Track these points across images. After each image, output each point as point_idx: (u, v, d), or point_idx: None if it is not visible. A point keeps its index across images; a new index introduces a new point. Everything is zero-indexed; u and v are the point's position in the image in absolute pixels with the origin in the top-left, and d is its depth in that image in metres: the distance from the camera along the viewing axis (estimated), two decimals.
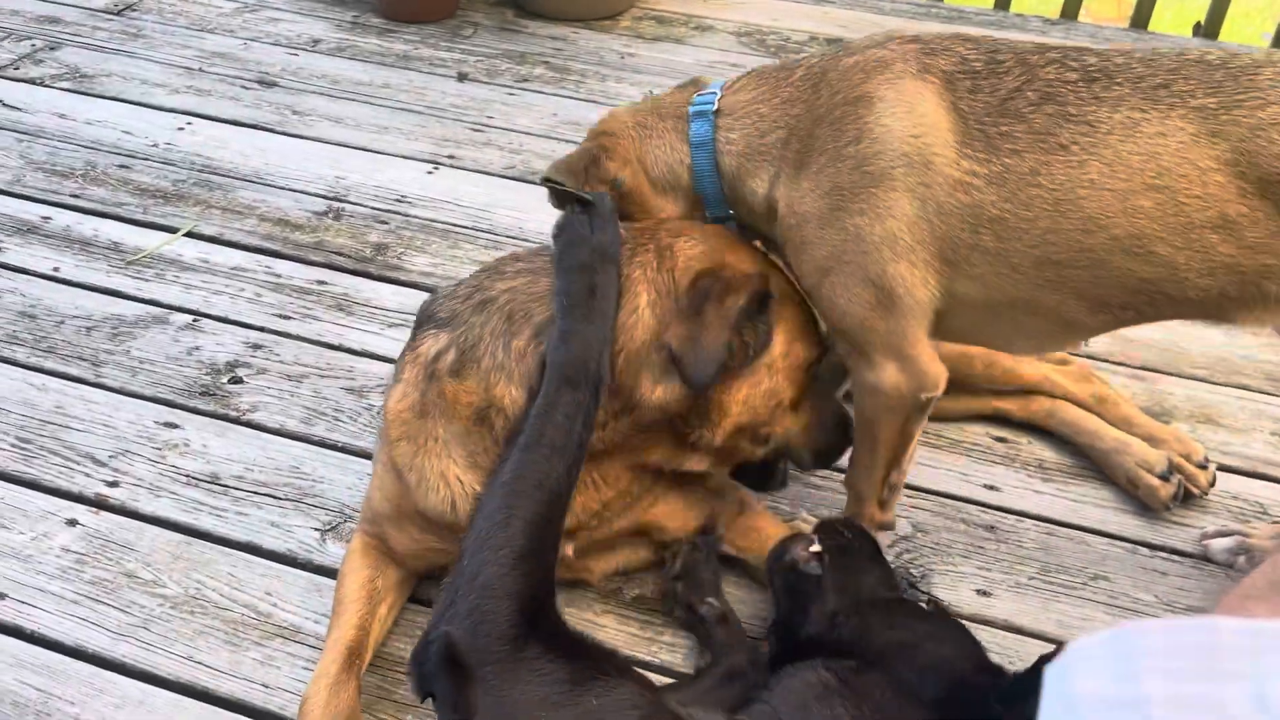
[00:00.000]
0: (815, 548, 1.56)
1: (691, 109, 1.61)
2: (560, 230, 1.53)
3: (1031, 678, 1.30)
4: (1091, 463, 2.03)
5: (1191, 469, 1.94)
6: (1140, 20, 3.97)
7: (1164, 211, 1.36)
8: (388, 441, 1.59)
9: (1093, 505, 1.96)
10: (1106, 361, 2.31)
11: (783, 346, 1.56)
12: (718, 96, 1.61)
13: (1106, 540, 1.89)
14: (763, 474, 1.74)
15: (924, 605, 1.57)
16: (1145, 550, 1.87)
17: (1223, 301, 1.43)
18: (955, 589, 1.79)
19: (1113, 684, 0.50)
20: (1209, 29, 3.91)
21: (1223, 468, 2.01)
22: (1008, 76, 1.43)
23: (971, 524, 1.92)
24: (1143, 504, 1.94)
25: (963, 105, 1.42)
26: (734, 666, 1.55)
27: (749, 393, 1.53)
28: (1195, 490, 1.93)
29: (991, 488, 1.99)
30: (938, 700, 1.32)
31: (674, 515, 1.71)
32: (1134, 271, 1.40)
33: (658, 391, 1.48)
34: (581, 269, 1.46)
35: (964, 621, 1.72)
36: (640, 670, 1.40)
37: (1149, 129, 1.36)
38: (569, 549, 1.58)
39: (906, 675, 1.35)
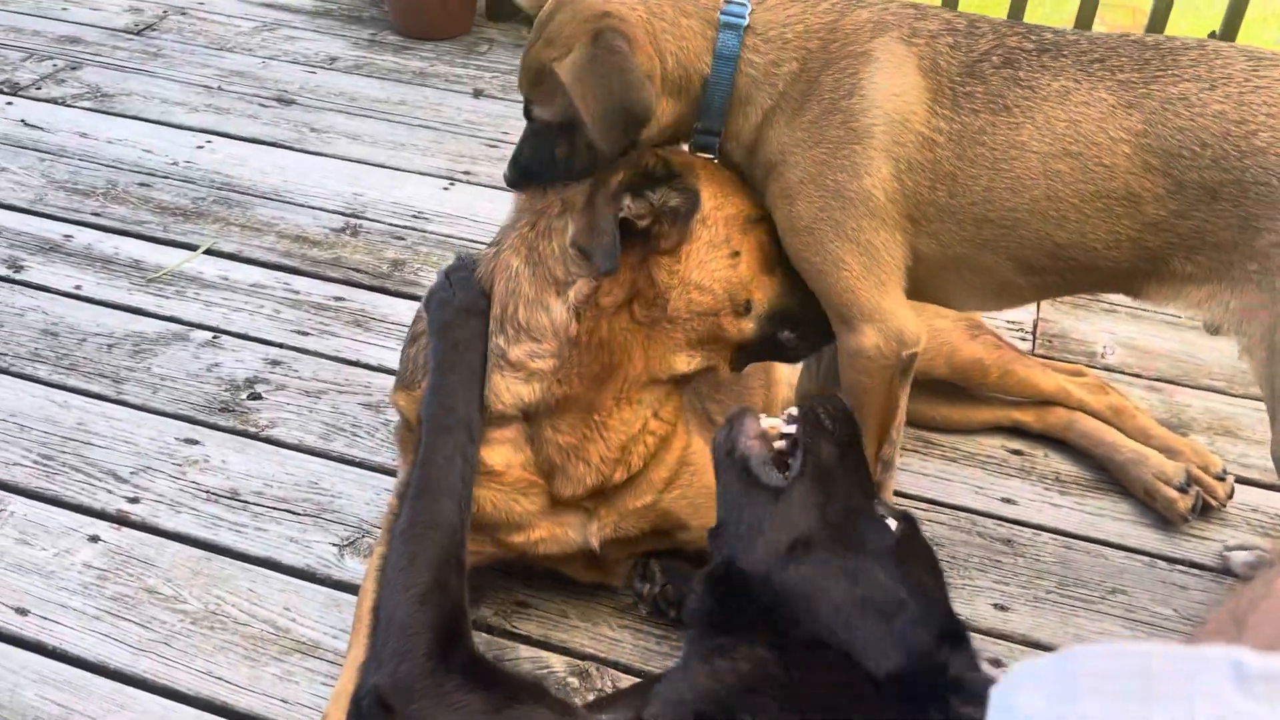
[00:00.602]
0: (785, 430, 1.31)
1: (722, 17, 1.53)
2: (429, 297, 1.64)
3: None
4: (1109, 475, 2.02)
5: (1210, 480, 1.94)
6: (1155, 28, 3.95)
7: (1076, 178, 1.43)
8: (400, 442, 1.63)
9: (1111, 518, 1.95)
10: (1123, 373, 2.30)
11: (713, 201, 1.54)
12: (749, 11, 1.54)
13: (1125, 554, 1.88)
14: (776, 350, 1.67)
15: (892, 525, 1.27)
16: (1164, 564, 1.87)
17: (1134, 275, 1.49)
18: (972, 603, 1.78)
19: (1052, 704, 0.51)
20: (1224, 37, 3.90)
21: (1242, 480, 2.01)
22: (981, 40, 1.49)
23: (988, 537, 1.91)
24: (1161, 516, 1.93)
25: (941, 63, 1.48)
26: None
27: (693, 259, 1.52)
28: (1213, 502, 1.93)
29: (1008, 501, 1.99)
30: (893, 676, 1.12)
31: (695, 511, 1.70)
32: (1050, 235, 1.47)
33: (541, 288, 1.52)
34: (446, 328, 1.57)
35: (982, 635, 1.73)
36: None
37: (1077, 98, 1.42)
38: (594, 530, 1.61)
39: (861, 643, 1.13)
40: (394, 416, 2.11)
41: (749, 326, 1.57)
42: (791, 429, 1.32)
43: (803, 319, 1.60)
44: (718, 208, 1.54)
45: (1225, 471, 1.96)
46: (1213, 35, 3.93)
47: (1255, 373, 1.45)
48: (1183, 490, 1.90)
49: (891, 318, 1.54)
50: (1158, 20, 3.95)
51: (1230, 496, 1.94)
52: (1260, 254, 1.38)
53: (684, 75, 1.55)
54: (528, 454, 1.57)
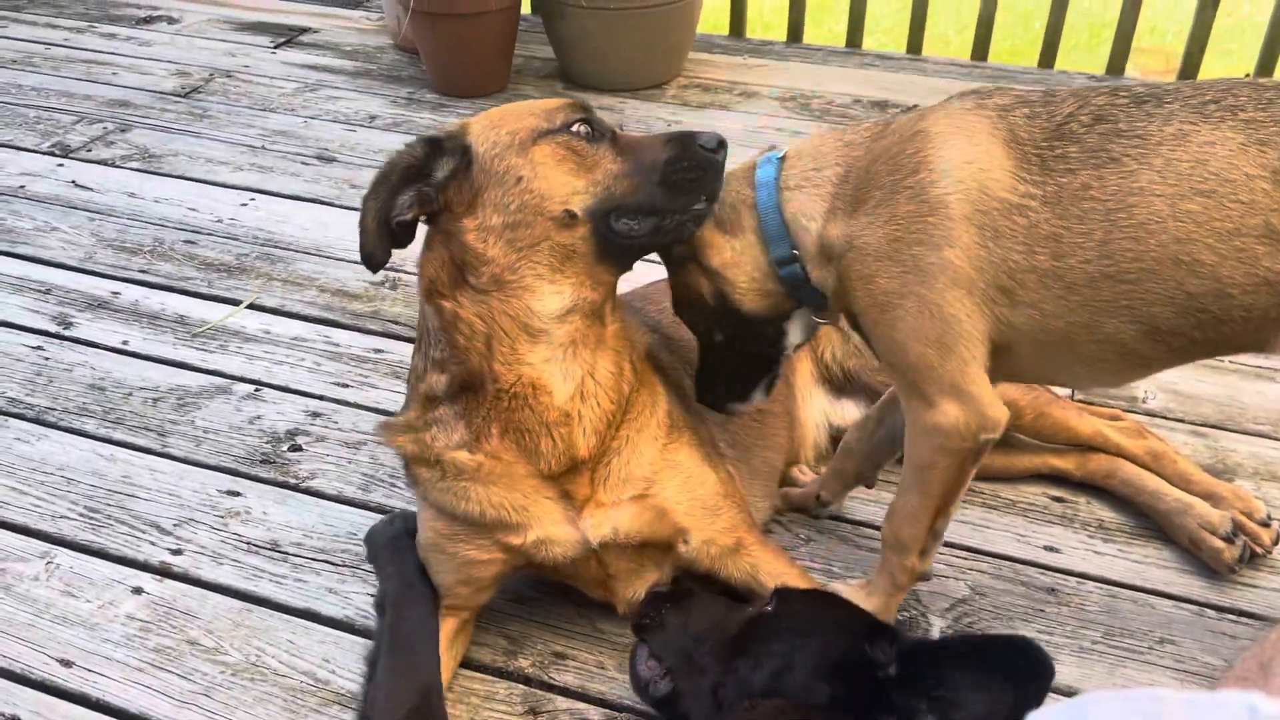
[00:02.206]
0: (649, 663, 1.53)
1: (760, 159, 1.65)
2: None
3: (933, 646, 1.40)
4: (1152, 522, 1.99)
5: (1254, 527, 1.90)
6: (1189, 73, 3.95)
7: (1210, 215, 1.37)
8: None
9: (1156, 566, 1.92)
10: (1165, 418, 2.27)
11: (482, 142, 1.52)
12: (786, 148, 1.65)
13: (1172, 602, 1.85)
14: (630, 245, 1.56)
15: (764, 608, 1.50)
16: (1212, 613, 1.83)
17: (1266, 324, 1.42)
18: None
19: None
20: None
21: None
22: (1063, 105, 1.47)
23: (1031, 586, 1.89)
24: (1207, 565, 1.90)
25: (1020, 133, 1.45)
26: None
27: (488, 205, 1.50)
28: (1259, 549, 1.89)
29: (1051, 549, 1.96)
30: (837, 699, 1.34)
31: (694, 518, 1.69)
32: (1181, 285, 1.40)
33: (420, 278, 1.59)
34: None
35: None
36: None
37: (1198, 139, 1.38)
38: (589, 525, 1.62)
39: (800, 694, 1.35)
40: None
41: (584, 231, 1.51)
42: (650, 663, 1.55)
43: (631, 205, 1.53)
44: (490, 147, 1.52)
45: (1270, 517, 1.92)
46: (1247, 79, 3.92)
47: None
48: (1229, 540, 1.87)
49: (975, 397, 1.50)
50: (1190, 64, 3.95)
51: (1276, 543, 1.90)
52: None
53: (734, 210, 1.61)
54: (461, 432, 1.59)
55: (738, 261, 1.62)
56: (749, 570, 1.72)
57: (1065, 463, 2.08)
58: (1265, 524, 1.91)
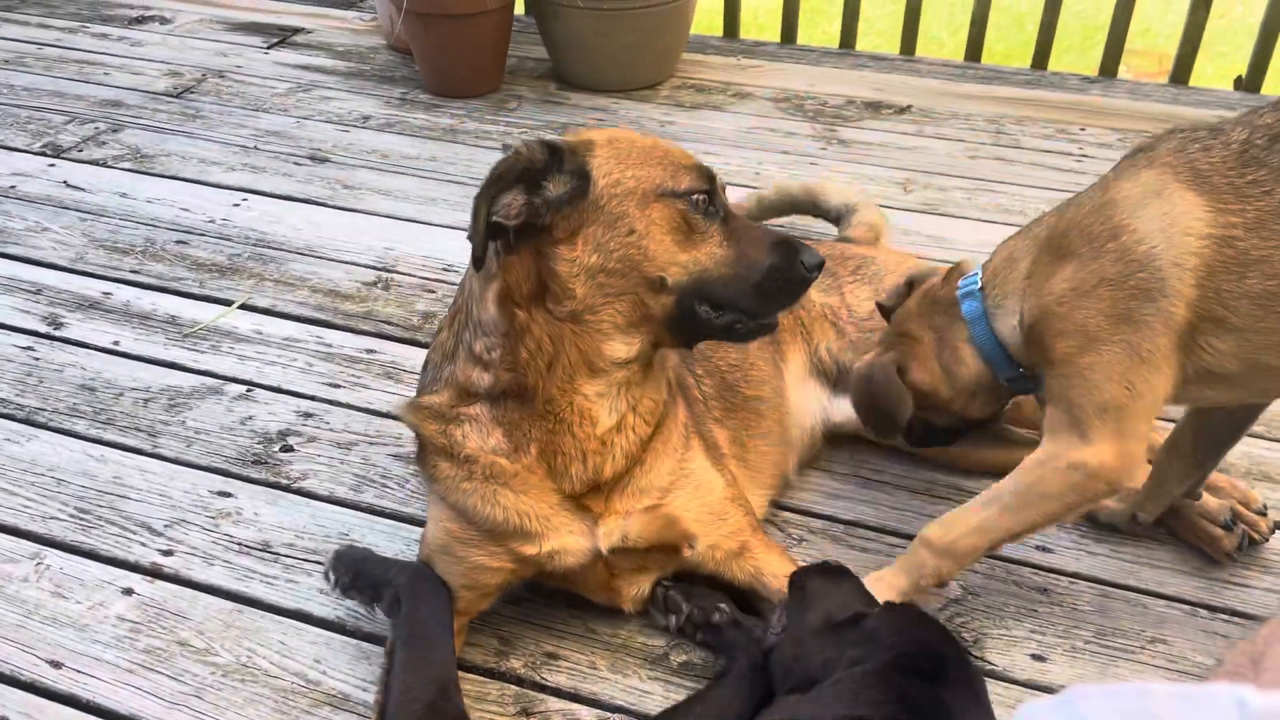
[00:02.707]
0: (781, 615, 1.57)
1: (959, 293, 1.76)
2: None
3: None
4: None
5: (1251, 516, 1.91)
6: (1181, 76, 3.96)
7: None
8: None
9: (1148, 566, 1.92)
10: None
11: (606, 179, 1.46)
12: (978, 274, 1.75)
13: (1165, 602, 1.85)
14: (707, 327, 1.55)
15: (870, 609, 1.51)
16: (1205, 612, 1.83)
17: None
18: (1009, 653, 1.75)
19: None
20: (1250, 82, 3.90)
21: None
22: (1233, 133, 1.50)
23: (1024, 586, 1.89)
24: (1203, 560, 1.90)
25: (1202, 168, 1.49)
26: (754, 662, 1.59)
27: (590, 243, 1.46)
28: (1256, 536, 1.90)
29: (1044, 549, 1.96)
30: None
31: (701, 525, 1.70)
32: None
33: (481, 287, 1.55)
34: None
35: (1019, 687, 1.70)
36: None
37: None
38: (602, 533, 1.62)
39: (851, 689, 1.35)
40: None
41: (668, 301, 1.50)
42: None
43: (720, 297, 1.51)
44: (612, 185, 1.47)
45: (1265, 507, 1.93)
46: (1239, 81, 3.93)
47: None
48: (1228, 528, 1.88)
49: (1134, 445, 1.54)
50: (1182, 66, 3.96)
51: (1273, 531, 1.91)
52: None
53: (956, 353, 1.77)
54: (499, 437, 1.58)
55: (975, 397, 1.80)
56: (752, 572, 1.74)
57: None
58: (1262, 513, 1.92)
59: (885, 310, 1.97)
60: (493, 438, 1.58)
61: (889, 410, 1.84)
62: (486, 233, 1.44)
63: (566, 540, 1.62)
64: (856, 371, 1.91)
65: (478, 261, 1.47)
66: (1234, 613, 1.82)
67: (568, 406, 1.55)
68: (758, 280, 1.51)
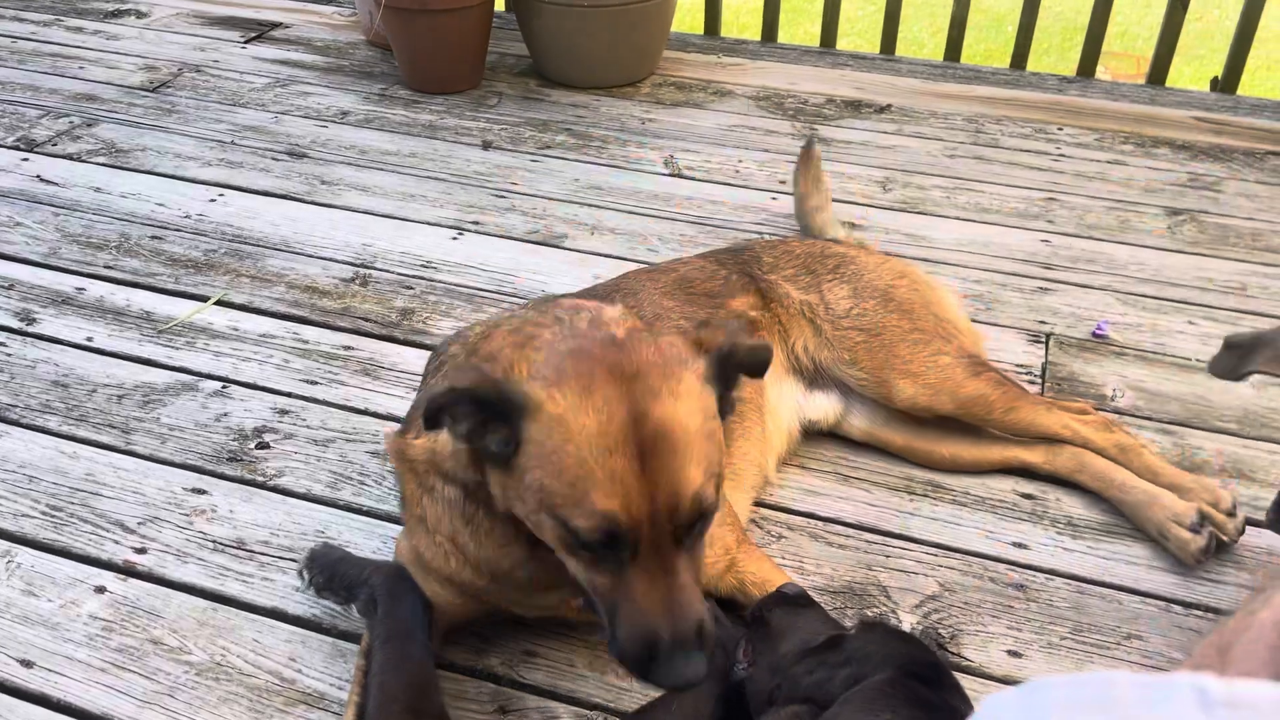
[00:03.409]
0: (746, 648, 1.53)
1: None
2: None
3: None
4: (1121, 518, 2.00)
5: (1220, 517, 1.92)
6: (1158, 76, 3.99)
7: None
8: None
9: (1124, 563, 1.93)
10: (1134, 416, 2.29)
11: (525, 467, 1.30)
12: None
13: (1139, 599, 1.86)
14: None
15: (847, 630, 1.50)
16: (1179, 608, 1.84)
17: None
18: (985, 649, 1.76)
19: None
20: (1226, 84, 3.94)
21: (1255, 523, 1.98)
22: None
23: (1000, 583, 1.89)
24: (1175, 559, 1.91)
25: None
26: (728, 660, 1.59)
27: (502, 489, 1.38)
28: (1224, 538, 1.91)
29: (1020, 545, 1.97)
30: None
31: None
32: None
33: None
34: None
35: (995, 683, 1.70)
36: None
37: None
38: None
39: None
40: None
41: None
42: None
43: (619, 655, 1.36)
44: (525, 471, 1.31)
45: (1236, 507, 1.94)
46: (1215, 82, 3.96)
47: None
48: (1195, 530, 1.89)
49: None
50: (1159, 68, 3.99)
51: (1241, 533, 1.92)
52: None
53: None
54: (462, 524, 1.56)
55: None
56: (735, 585, 1.75)
57: (1033, 456, 2.09)
58: (1231, 514, 1.93)
59: None
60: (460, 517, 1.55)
61: None
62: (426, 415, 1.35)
63: (540, 599, 1.62)
64: None
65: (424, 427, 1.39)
66: (1207, 608, 1.84)
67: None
68: (617, 645, 1.33)
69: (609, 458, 1.26)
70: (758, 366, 1.46)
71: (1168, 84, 3.99)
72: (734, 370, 1.43)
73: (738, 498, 1.91)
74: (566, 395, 1.28)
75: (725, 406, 1.42)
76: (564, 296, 1.77)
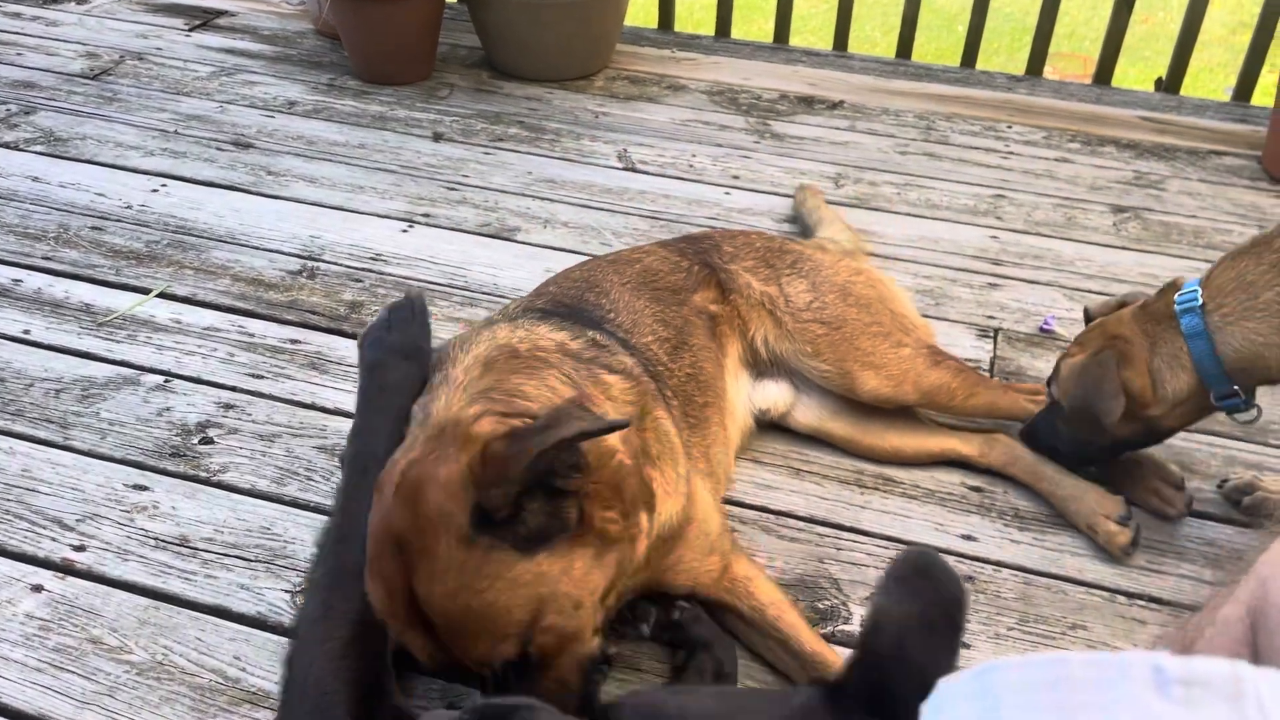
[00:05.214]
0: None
1: (1177, 308, 1.80)
2: (366, 333, 1.62)
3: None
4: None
5: (1169, 491, 2.00)
6: (1104, 77, 4.06)
7: None
8: None
9: (1069, 554, 1.96)
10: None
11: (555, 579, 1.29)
12: (1198, 291, 1.80)
13: (1084, 589, 1.89)
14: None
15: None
16: (1123, 598, 1.87)
17: None
18: None
19: (977, 717, 0.51)
20: (1170, 84, 4.01)
21: (1198, 514, 2.02)
22: None
23: None
24: (1104, 550, 1.95)
25: None
26: (714, 656, 1.59)
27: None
28: (1170, 511, 1.99)
29: (969, 538, 1.99)
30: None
31: (693, 562, 1.68)
32: None
33: None
34: (376, 367, 1.55)
35: None
36: None
37: None
38: None
39: None
40: None
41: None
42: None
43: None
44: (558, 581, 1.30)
45: (1183, 481, 2.01)
46: (1159, 83, 4.04)
47: None
48: (1122, 524, 1.93)
49: None
50: (1105, 69, 4.06)
51: (1189, 506, 1.99)
52: None
53: (1173, 367, 1.81)
54: None
55: (1173, 407, 1.84)
56: (727, 588, 1.71)
57: (969, 449, 2.13)
58: (1179, 487, 2.00)
59: (1091, 317, 2.02)
60: None
61: (1101, 406, 1.83)
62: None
63: None
64: (1070, 365, 1.92)
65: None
66: (1150, 599, 1.87)
67: None
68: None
69: (404, 632, 1.29)
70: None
71: (1114, 84, 4.06)
72: (556, 473, 1.27)
73: (718, 502, 1.91)
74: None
75: (557, 510, 1.27)
76: (498, 324, 1.74)
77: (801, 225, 2.92)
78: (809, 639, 1.66)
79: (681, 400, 1.88)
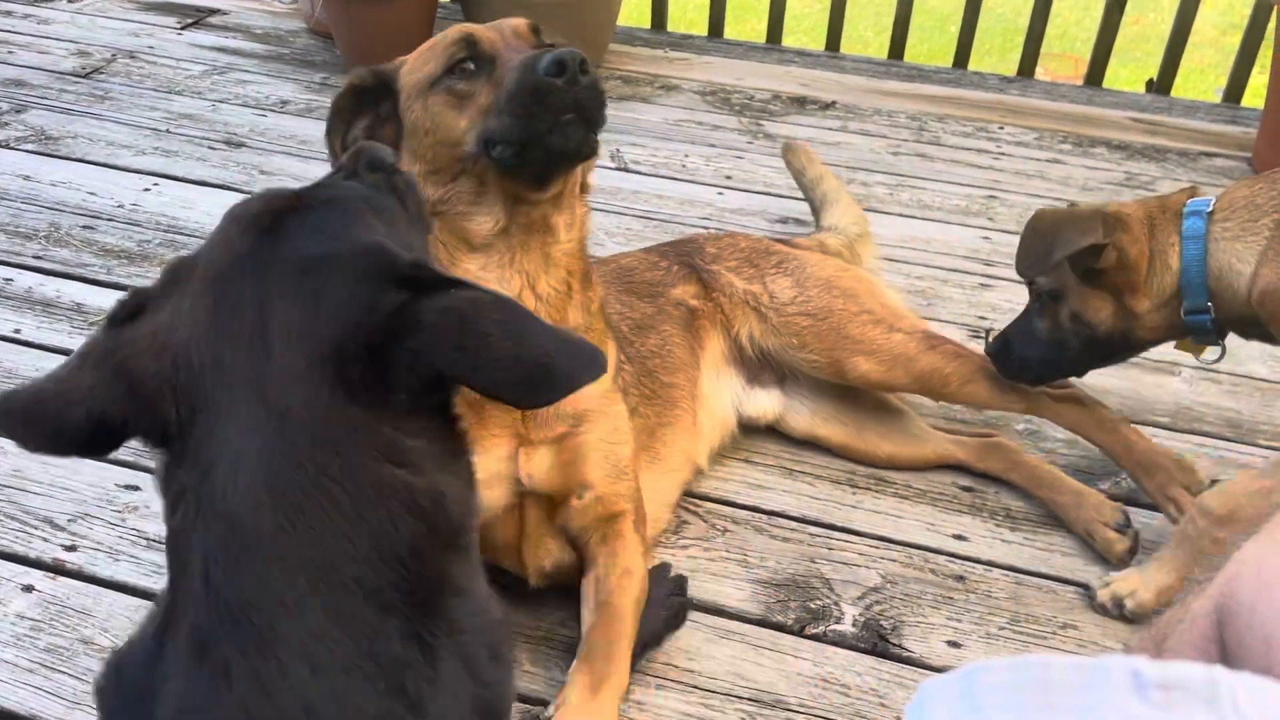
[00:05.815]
0: None
1: (1187, 209, 1.79)
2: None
3: None
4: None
5: (1186, 499, 1.90)
6: (1095, 78, 4.07)
7: None
8: None
9: (1060, 554, 1.96)
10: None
11: (404, 92, 1.60)
12: (1213, 201, 1.79)
13: (1074, 589, 1.89)
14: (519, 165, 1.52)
15: None
16: None
17: None
18: (926, 640, 1.78)
19: (959, 719, 0.52)
20: (1161, 85, 4.03)
21: None
22: None
23: (941, 574, 1.92)
24: (1102, 557, 1.95)
25: None
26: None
27: (407, 153, 1.58)
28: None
29: (960, 537, 1.99)
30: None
31: (598, 468, 1.67)
32: None
33: None
34: None
35: (936, 674, 1.72)
36: None
37: None
38: (522, 461, 1.61)
39: None
40: None
41: (483, 163, 1.52)
42: None
43: (497, 138, 1.48)
44: (405, 96, 1.60)
45: (1214, 484, 1.96)
46: (1150, 84, 4.05)
47: None
48: (1121, 531, 1.92)
49: None
50: (1096, 70, 4.07)
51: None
52: None
53: (1163, 260, 1.79)
54: None
55: (1154, 307, 1.81)
56: (609, 552, 1.68)
57: (966, 454, 2.12)
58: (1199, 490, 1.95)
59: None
60: None
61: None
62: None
63: (496, 467, 1.57)
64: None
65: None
66: None
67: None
68: (507, 110, 1.47)
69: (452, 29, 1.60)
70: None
71: (1105, 85, 4.07)
72: None
73: (662, 481, 1.92)
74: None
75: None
76: None
77: (806, 198, 2.84)
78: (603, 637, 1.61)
79: (637, 368, 1.91)
